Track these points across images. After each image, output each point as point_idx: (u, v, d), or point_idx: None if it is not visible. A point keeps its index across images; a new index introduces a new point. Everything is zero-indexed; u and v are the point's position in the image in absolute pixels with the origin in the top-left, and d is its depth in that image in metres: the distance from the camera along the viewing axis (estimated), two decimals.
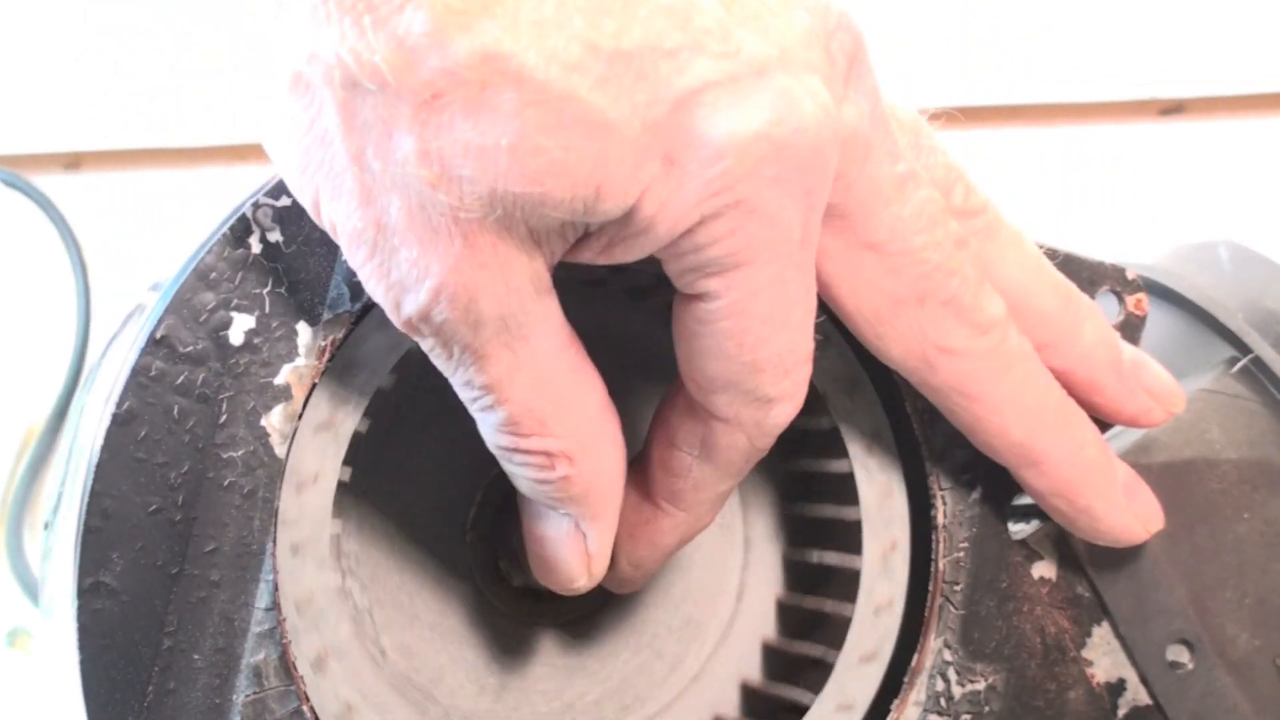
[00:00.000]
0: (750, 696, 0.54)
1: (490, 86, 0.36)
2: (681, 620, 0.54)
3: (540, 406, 0.41)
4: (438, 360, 0.41)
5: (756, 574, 0.54)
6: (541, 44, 0.36)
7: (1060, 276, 0.47)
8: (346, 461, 0.45)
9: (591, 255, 0.40)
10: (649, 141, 0.37)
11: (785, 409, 0.42)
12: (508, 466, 0.43)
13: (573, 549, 0.44)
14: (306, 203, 0.40)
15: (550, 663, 0.53)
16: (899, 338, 0.44)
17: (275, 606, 0.43)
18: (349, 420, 0.44)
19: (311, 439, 0.44)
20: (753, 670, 0.54)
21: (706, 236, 0.39)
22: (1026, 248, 0.47)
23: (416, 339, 0.40)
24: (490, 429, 0.42)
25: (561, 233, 0.39)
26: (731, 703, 0.54)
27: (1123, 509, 0.47)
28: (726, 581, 0.54)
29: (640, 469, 0.46)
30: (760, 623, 0.54)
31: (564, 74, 0.36)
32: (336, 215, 0.39)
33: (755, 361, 0.41)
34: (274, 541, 0.43)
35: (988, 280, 0.45)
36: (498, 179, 0.37)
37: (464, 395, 0.41)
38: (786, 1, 0.39)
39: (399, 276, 0.39)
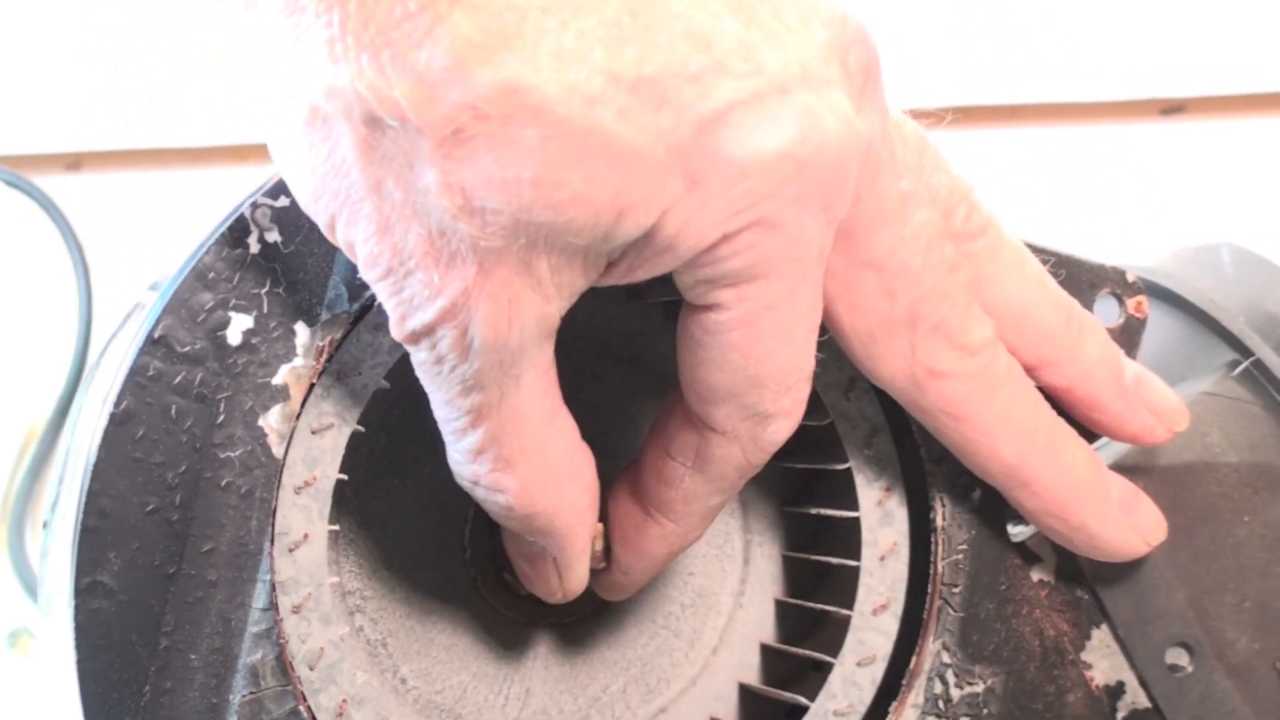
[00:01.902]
0: (770, 658, 0.54)
1: (512, 121, 0.36)
2: (693, 594, 0.54)
3: (510, 444, 0.41)
4: (426, 374, 0.40)
5: (762, 536, 0.55)
6: (562, 77, 0.36)
7: (1062, 294, 0.47)
8: (334, 510, 0.45)
9: (614, 279, 0.40)
10: (671, 163, 0.37)
11: (783, 426, 0.43)
12: (474, 495, 0.43)
13: (543, 570, 0.46)
14: (322, 225, 0.39)
15: (570, 661, 0.53)
16: (889, 358, 0.44)
17: (272, 607, 0.43)
18: (330, 473, 0.44)
19: (294, 499, 0.44)
20: (769, 633, 0.54)
21: (726, 251, 0.39)
22: (1028, 265, 0.47)
23: (411, 350, 0.40)
24: (460, 453, 0.42)
25: (584, 268, 0.39)
26: (753, 668, 0.54)
27: (1118, 524, 0.47)
28: (731, 546, 0.54)
29: (634, 475, 0.46)
30: (771, 584, 0.54)
31: (586, 106, 0.36)
32: (353, 238, 0.39)
33: (759, 375, 0.41)
34: (271, 542, 0.43)
35: (979, 301, 0.45)
36: (521, 210, 0.37)
37: (441, 414, 0.42)
38: (804, 16, 0.39)
39: (410, 294, 0.39)
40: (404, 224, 0.38)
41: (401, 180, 0.37)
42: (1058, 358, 0.47)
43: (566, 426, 0.43)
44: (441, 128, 0.36)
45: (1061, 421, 0.47)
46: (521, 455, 0.42)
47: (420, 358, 0.40)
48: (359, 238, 0.39)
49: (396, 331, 0.40)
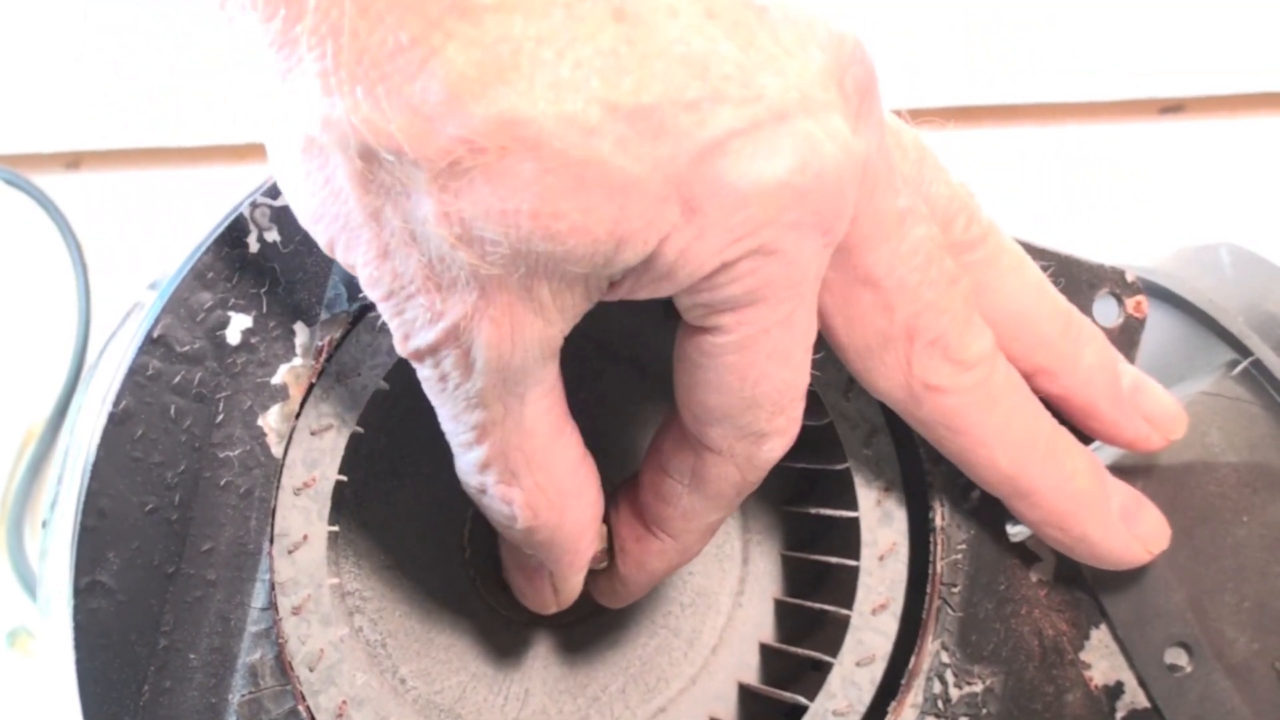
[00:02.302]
0: (770, 658, 0.54)
1: (510, 154, 0.36)
2: (692, 593, 0.54)
3: (516, 459, 0.41)
4: (431, 389, 0.41)
5: (761, 536, 0.55)
6: (559, 108, 0.36)
7: (1060, 300, 0.47)
8: (334, 511, 0.45)
9: (617, 297, 0.40)
10: (669, 192, 0.37)
11: (778, 444, 0.43)
12: (479, 504, 0.44)
13: (539, 584, 0.47)
14: (321, 245, 0.39)
15: (569, 661, 0.53)
16: (886, 372, 0.44)
17: (271, 606, 0.43)
18: (329, 474, 0.44)
19: (294, 500, 0.44)
20: (768, 632, 0.54)
21: (725, 278, 0.39)
22: (1027, 273, 0.47)
23: (416, 366, 0.40)
24: (467, 465, 0.42)
25: (586, 292, 0.39)
26: (752, 668, 0.54)
27: (1119, 534, 0.47)
28: (731, 545, 0.54)
29: (634, 489, 0.46)
30: (770, 584, 0.55)
31: (583, 138, 0.36)
32: (353, 261, 0.39)
33: (754, 396, 0.41)
34: (271, 542, 0.43)
35: (979, 311, 0.44)
36: (519, 241, 0.36)
37: (447, 427, 0.42)
38: (802, 39, 0.39)
39: (412, 316, 0.39)
40: (403, 250, 0.38)
41: (399, 209, 0.37)
42: (1055, 366, 0.47)
43: (572, 442, 0.43)
44: (438, 161, 0.36)
45: (1063, 430, 0.47)
46: (526, 470, 0.42)
47: (425, 374, 0.40)
48: (359, 261, 0.39)
49: (400, 349, 0.40)
